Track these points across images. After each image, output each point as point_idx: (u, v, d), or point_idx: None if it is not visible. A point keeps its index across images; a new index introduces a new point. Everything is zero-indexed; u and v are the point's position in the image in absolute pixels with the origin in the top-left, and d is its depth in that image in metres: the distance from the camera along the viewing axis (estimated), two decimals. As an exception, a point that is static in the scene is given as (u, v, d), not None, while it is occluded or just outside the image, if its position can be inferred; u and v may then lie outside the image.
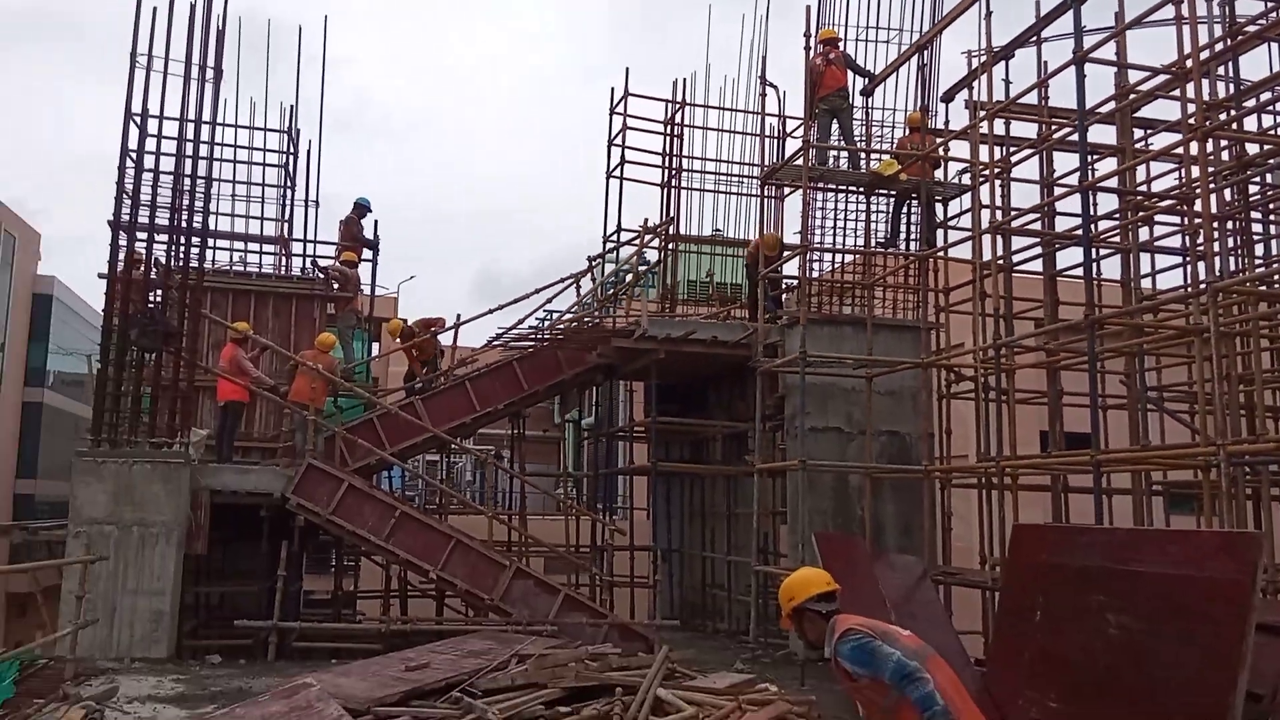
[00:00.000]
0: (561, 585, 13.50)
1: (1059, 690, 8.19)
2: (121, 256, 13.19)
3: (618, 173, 17.06)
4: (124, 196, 13.04)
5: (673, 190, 17.15)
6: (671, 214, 16.97)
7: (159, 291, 13.39)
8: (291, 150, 18.51)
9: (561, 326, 16.08)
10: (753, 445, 14.25)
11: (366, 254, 17.35)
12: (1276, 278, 11.16)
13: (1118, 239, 12.30)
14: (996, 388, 12.12)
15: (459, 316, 16.54)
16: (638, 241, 16.09)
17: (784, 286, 15.86)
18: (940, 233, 14.56)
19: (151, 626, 11.74)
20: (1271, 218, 12.13)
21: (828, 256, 15.93)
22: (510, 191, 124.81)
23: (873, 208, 15.38)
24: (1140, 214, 12.02)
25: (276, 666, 11.44)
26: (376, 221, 17.68)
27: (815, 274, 14.80)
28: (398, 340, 16.97)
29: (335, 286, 16.14)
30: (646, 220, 16.01)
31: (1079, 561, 8.63)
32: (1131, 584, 8.00)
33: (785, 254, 14.71)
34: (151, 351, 12.88)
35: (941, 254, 14.11)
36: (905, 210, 15.16)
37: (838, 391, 13.54)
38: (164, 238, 13.23)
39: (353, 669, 10.41)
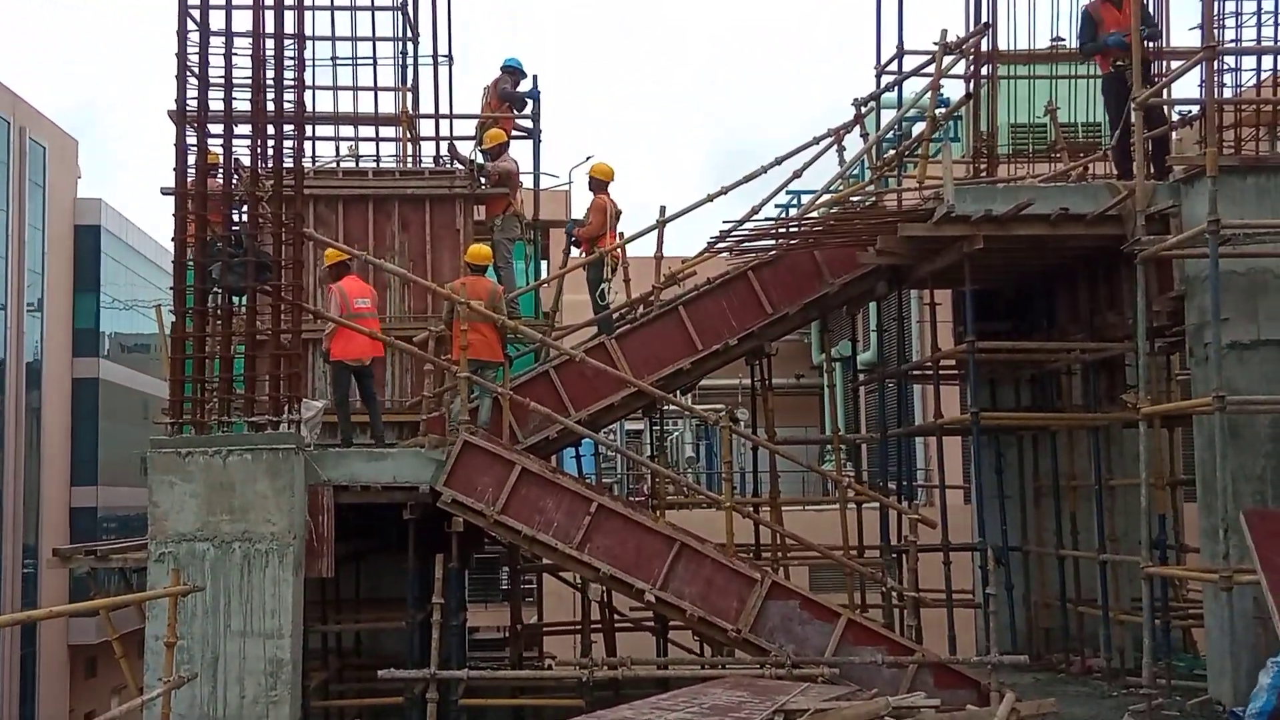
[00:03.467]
0: (841, 607, 13.47)
1: None
2: (191, 162, 13.67)
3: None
4: (187, 75, 13.56)
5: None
6: (985, 19, 16.31)
7: (244, 207, 13.95)
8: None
9: (818, 213, 15.86)
10: (1133, 378, 13.77)
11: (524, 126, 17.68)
12: None
13: None
14: None
15: (663, 211, 16.61)
16: (931, 70, 15.56)
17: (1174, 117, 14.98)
18: None
19: (268, 681, 12.58)
20: None
21: (1250, 65, 14.89)
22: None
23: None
24: None
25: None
26: (538, 93, 17.93)
27: (1229, 93, 13.90)
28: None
29: (485, 182, 16.46)
30: (945, 34, 15.42)
31: None
32: None
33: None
34: (241, 293, 13.53)
35: None
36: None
37: (1275, 282, 12.77)
38: (246, 129, 13.71)
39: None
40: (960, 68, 15.97)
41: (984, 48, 16.20)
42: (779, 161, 16.55)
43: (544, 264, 20.06)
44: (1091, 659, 15.69)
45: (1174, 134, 15.06)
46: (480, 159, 16.98)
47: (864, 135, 16.78)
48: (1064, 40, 17.51)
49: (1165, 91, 14.01)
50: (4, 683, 27.68)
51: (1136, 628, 13.65)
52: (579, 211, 19.08)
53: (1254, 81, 15.25)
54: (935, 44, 15.52)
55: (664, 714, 10.80)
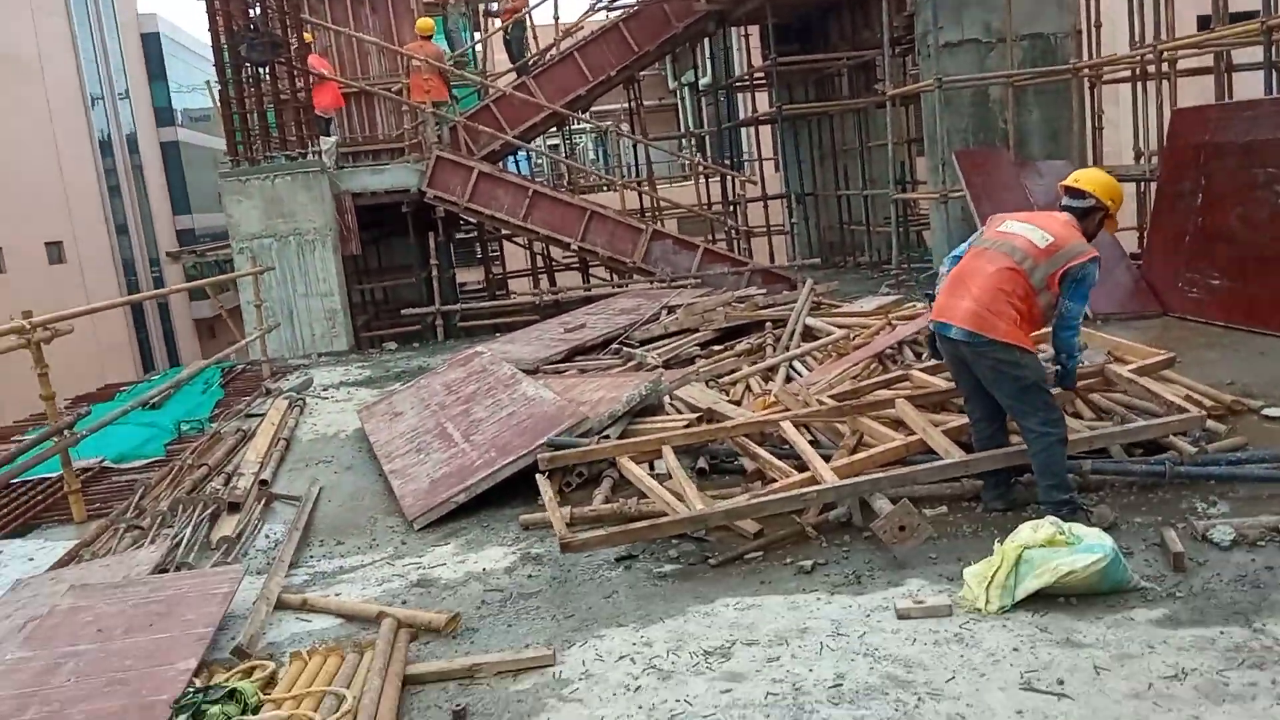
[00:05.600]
0: (700, 240, 13.76)
1: (1221, 266, 8.10)
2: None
3: None
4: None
5: None
6: None
7: (258, 3, 13.21)
8: None
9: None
10: (882, 73, 13.66)
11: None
12: None
13: None
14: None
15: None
16: None
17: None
18: None
19: (329, 324, 12.76)
20: None
21: None
22: None
23: None
24: None
25: (446, 345, 12.38)
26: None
27: None
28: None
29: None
30: None
31: (1243, 137, 8.49)
32: None
33: None
34: (263, 65, 12.93)
35: None
36: None
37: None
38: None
39: (516, 337, 11.19)
40: None
41: None
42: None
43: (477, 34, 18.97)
44: (860, 258, 16.28)
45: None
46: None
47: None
48: None
49: None
50: (157, 345, 28.11)
51: (887, 235, 14.17)
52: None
53: None
54: None
55: (591, 315, 11.15)
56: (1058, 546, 3.87)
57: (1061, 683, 3.21)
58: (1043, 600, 3.73)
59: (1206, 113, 9.75)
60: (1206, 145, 8.88)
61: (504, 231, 15.52)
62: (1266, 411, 5.61)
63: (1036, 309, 4.50)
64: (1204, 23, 12.22)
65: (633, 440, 5.84)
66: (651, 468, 5.60)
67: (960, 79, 12.33)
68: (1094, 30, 13.12)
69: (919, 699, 3.20)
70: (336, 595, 4.72)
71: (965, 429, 5.09)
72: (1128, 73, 12.39)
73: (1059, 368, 4.77)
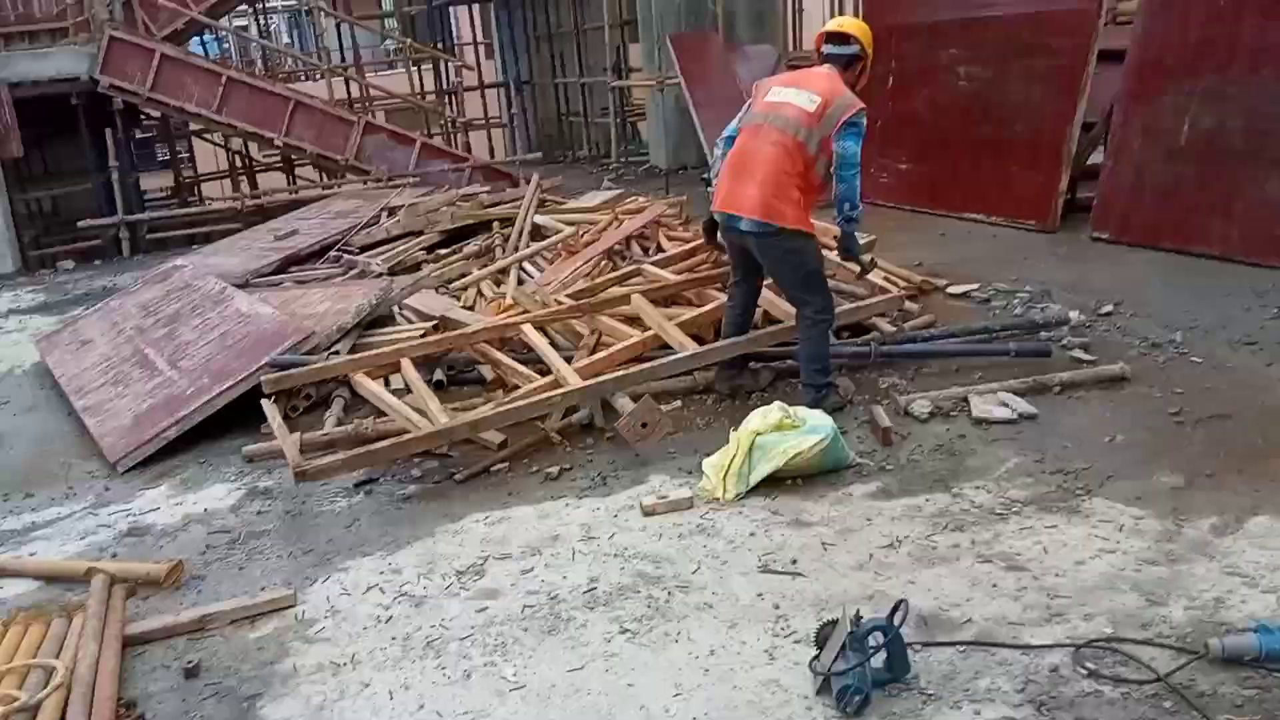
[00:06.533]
0: (416, 134, 13.14)
1: (909, 150, 8.70)
2: None
3: None
4: None
5: None
6: None
7: None
8: None
9: None
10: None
11: None
12: None
13: None
14: None
15: None
16: None
17: None
18: None
19: (-11, 242, 11.15)
20: None
21: None
22: None
23: None
24: None
25: (136, 261, 11.21)
26: None
27: None
28: None
29: None
30: None
31: (932, 18, 8.79)
32: (983, 31, 8.27)
33: None
34: None
35: None
36: None
37: None
38: None
39: (220, 248, 10.30)
40: None
41: None
42: None
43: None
44: (579, 152, 16.22)
45: None
46: None
47: None
48: None
49: None
50: None
51: (606, 127, 14.19)
52: None
53: None
54: None
55: (304, 220, 10.45)
56: (786, 430, 4.11)
57: (795, 562, 3.46)
58: (773, 484, 3.98)
59: (901, -8, 10.16)
60: (898, 27, 8.97)
61: (194, 127, 14.08)
62: (950, 289, 6.23)
63: (817, 178, 4.54)
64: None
65: (366, 355, 5.56)
66: (387, 383, 5.39)
67: (673, -36, 12.40)
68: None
69: (668, 593, 3.34)
70: (32, 555, 4.24)
71: (698, 321, 5.28)
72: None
73: (842, 228, 4.61)
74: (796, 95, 4.50)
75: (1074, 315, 5.45)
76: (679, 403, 4.95)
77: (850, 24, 4.82)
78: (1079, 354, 4.98)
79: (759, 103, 4.65)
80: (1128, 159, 7.04)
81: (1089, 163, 7.75)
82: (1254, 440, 4.03)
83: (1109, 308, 5.63)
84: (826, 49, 4.67)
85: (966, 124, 8.30)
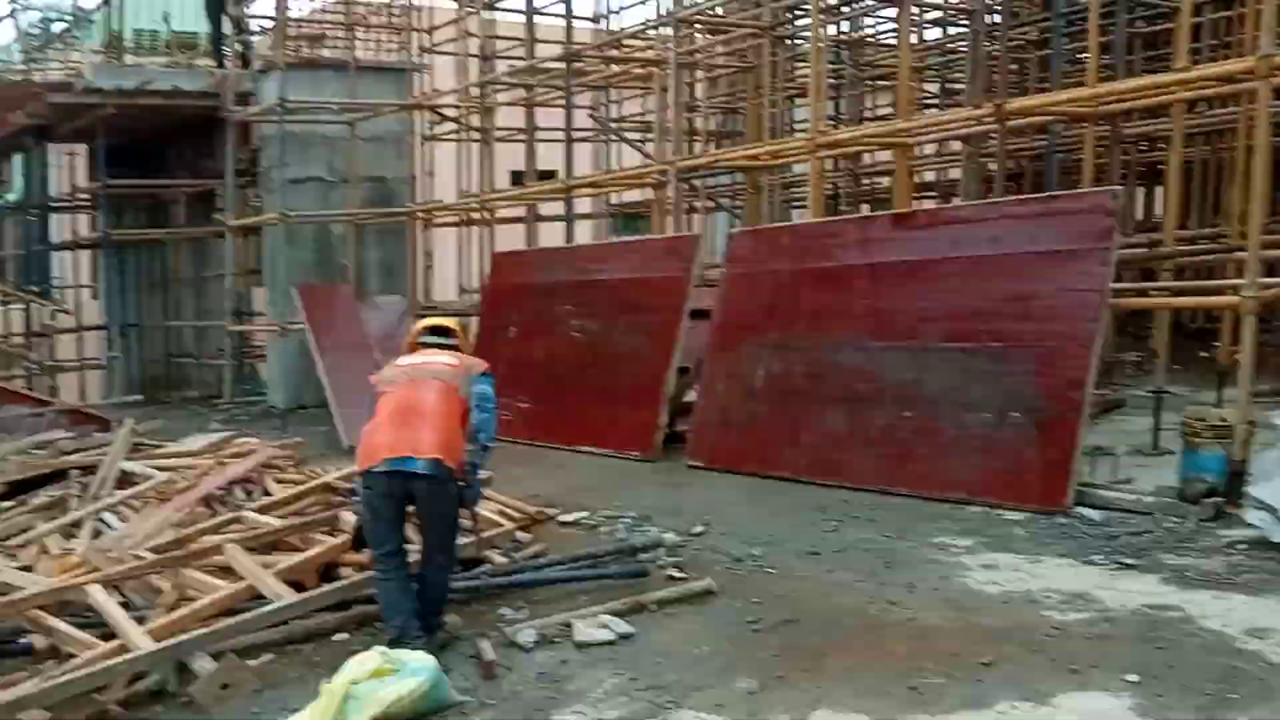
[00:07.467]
0: (-4, 380, 11.82)
1: (529, 390, 9.36)
2: None
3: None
4: None
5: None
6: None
7: None
8: None
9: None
10: (224, 204, 13.56)
11: None
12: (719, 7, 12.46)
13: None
14: (479, 127, 13.33)
15: None
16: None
17: (255, 29, 14.65)
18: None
19: None
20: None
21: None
22: None
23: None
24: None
25: None
26: None
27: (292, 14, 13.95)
28: None
29: None
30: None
31: (550, 279, 10.21)
32: (594, 291, 9.46)
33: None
34: None
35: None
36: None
37: (318, 140, 13.30)
38: None
39: None
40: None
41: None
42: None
43: None
44: (189, 392, 15.36)
45: (255, 40, 14.88)
46: None
47: (16, 26, 14.43)
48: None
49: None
50: None
51: (220, 369, 13.76)
52: None
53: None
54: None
55: None
56: (384, 675, 3.89)
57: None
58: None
59: (521, 257, 11.52)
60: (521, 286, 10.44)
61: None
62: (562, 518, 6.49)
63: (468, 424, 4.62)
64: (517, 177, 14.61)
65: None
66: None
67: (304, 216, 12.71)
68: (427, 177, 14.76)
69: None
70: None
71: (300, 567, 4.98)
72: (455, 218, 14.18)
73: (473, 457, 4.60)
74: (436, 356, 4.77)
75: (669, 537, 5.85)
76: (271, 656, 4.55)
77: (447, 321, 5.20)
78: (673, 573, 5.29)
79: (400, 368, 4.78)
80: (715, 398, 8.07)
81: (685, 400, 8.68)
82: (816, 642, 4.40)
83: (700, 528, 6.11)
84: (431, 339, 4.95)
85: (580, 368, 9.18)
